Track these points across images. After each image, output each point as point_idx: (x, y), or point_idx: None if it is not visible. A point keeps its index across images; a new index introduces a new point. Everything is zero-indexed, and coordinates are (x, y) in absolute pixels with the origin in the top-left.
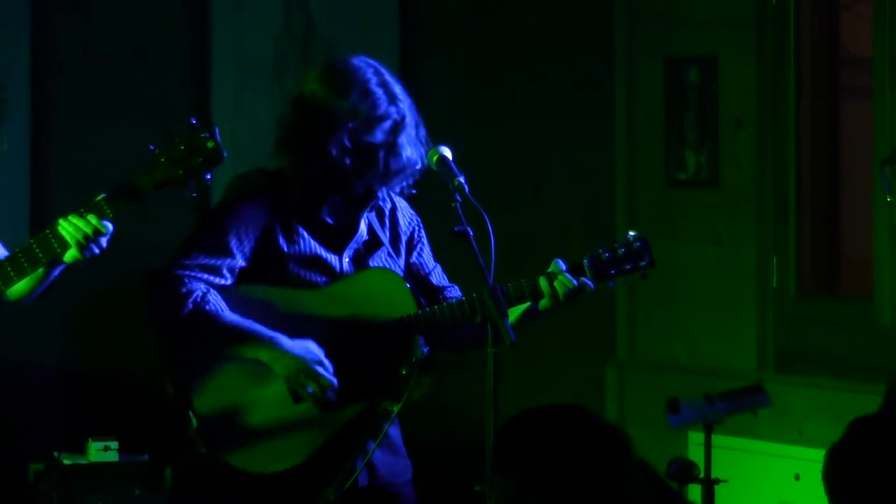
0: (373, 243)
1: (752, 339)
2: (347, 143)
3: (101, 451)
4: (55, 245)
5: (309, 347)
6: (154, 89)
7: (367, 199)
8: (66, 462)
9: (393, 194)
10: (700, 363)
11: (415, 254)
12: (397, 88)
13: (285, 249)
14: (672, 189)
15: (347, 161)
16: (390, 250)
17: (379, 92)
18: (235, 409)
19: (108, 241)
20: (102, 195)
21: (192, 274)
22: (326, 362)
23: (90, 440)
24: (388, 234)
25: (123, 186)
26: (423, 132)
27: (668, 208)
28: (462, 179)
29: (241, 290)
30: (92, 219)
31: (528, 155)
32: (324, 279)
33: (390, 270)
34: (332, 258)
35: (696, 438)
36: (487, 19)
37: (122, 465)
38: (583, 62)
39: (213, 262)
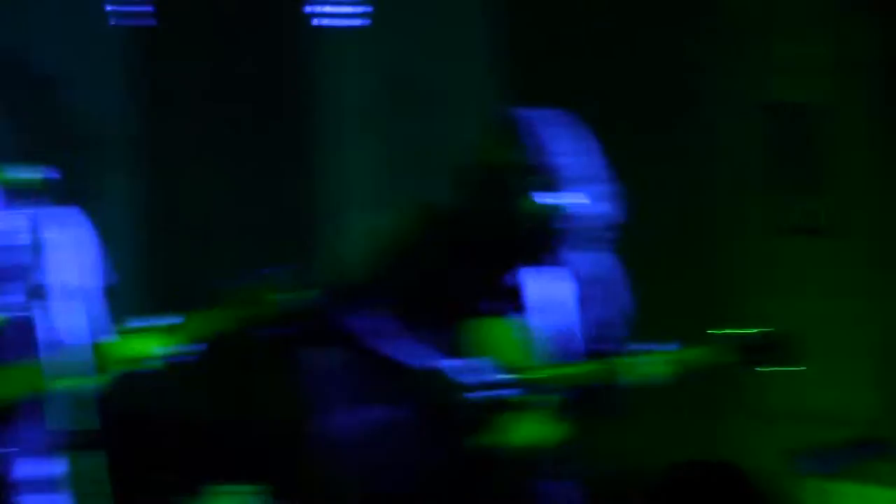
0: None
1: (872, 387)
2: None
3: (228, 498)
4: None
5: None
6: (255, 134)
7: (536, 249)
8: None
9: (573, 249)
10: (821, 411)
11: (584, 309)
12: (565, 138)
13: None
14: (782, 237)
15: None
16: (555, 306)
17: (542, 138)
18: None
19: None
20: None
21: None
22: None
23: (221, 485)
24: (559, 287)
25: None
26: (598, 180)
27: (778, 257)
28: (607, 227)
29: None
30: None
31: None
32: None
33: None
34: None
35: (817, 485)
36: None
37: None
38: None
39: (365, 294)
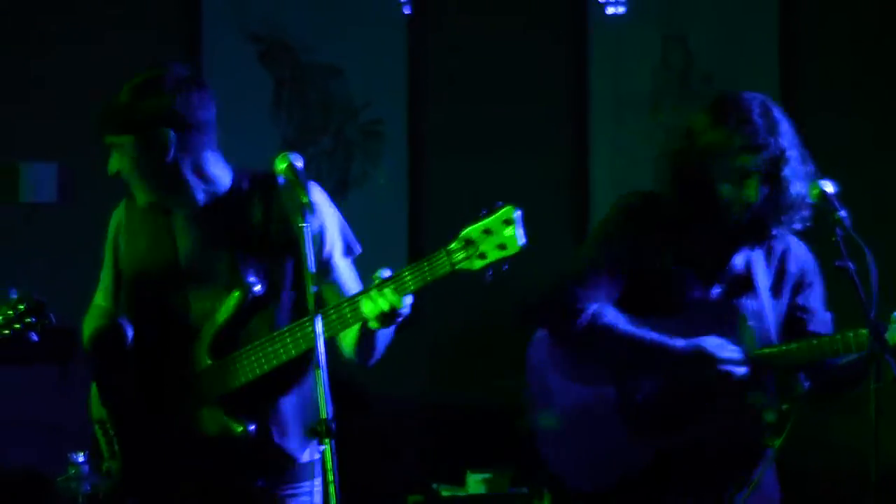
0: (747, 281)
1: None
2: (726, 171)
3: (479, 483)
4: (353, 317)
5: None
6: (527, 121)
7: (751, 234)
8: (444, 494)
9: (789, 235)
10: None
11: (801, 296)
12: (783, 124)
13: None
14: None
15: (726, 189)
16: (770, 292)
17: (759, 122)
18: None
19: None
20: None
21: (580, 291)
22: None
23: (468, 472)
24: (772, 274)
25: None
26: (811, 168)
27: None
28: (843, 214)
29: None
30: (389, 295)
31: None
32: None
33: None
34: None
35: None
36: (872, 52)
37: (500, 496)
38: None
39: (589, 278)
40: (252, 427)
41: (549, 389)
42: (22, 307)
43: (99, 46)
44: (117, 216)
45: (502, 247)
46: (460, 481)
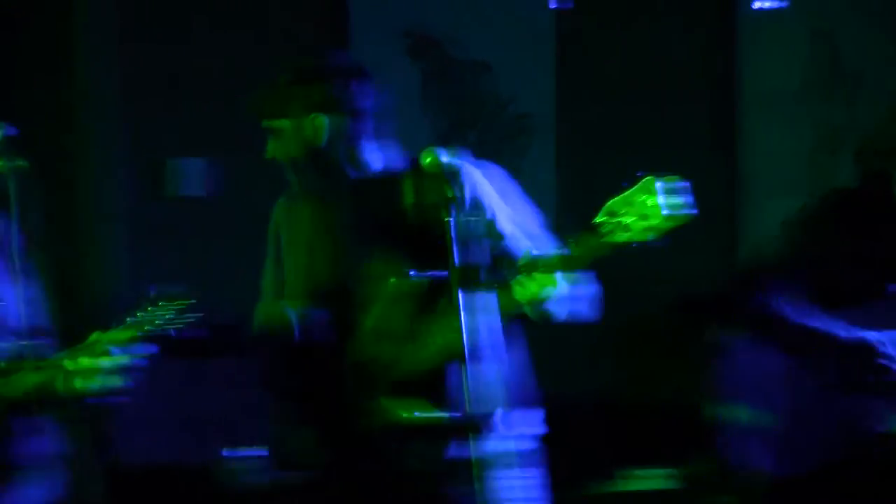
0: None
1: None
2: None
3: (651, 480)
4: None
5: None
6: (674, 116)
7: None
8: (614, 489)
9: None
10: None
11: None
12: None
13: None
14: None
15: None
16: None
17: None
18: None
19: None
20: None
21: (772, 282)
22: None
23: (640, 469)
24: None
25: None
26: None
27: None
28: None
29: None
30: (539, 277)
31: None
32: None
33: None
34: None
35: None
36: None
37: (672, 492)
38: None
39: (781, 271)
40: (419, 415)
41: (750, 379)
42: (163, 303)
43: (248, 41)
44: (277, 211)
45: (645, 217)
46: (625, 477)
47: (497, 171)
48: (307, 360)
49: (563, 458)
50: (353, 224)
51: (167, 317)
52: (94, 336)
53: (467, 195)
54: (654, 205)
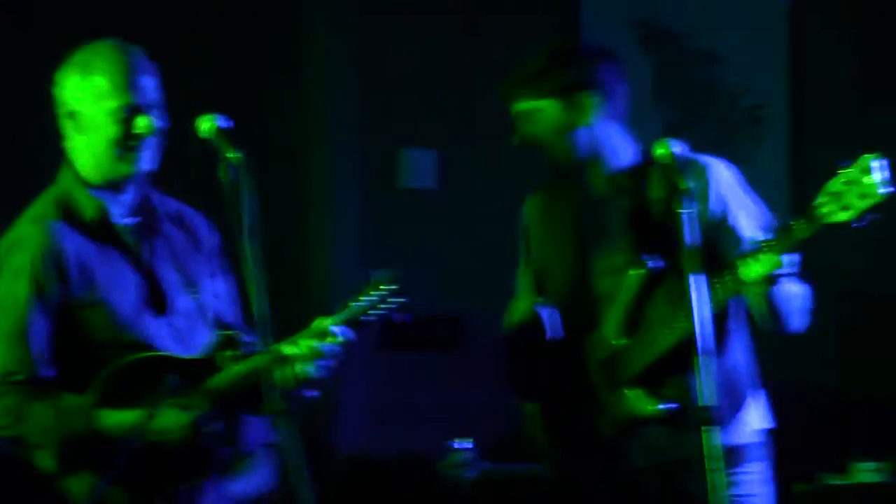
0: None
1: None
2: None
3: (866, 473)
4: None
5: None
6: None
7: None
8: (830, 482)
9: None
10: None
11: None
12: None
13: None
14: None
15: None
16: None
17: None
18: None
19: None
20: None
21: None
22: None
23: (854, 462)
24: None
25: None
26: None
27: None
28: None
29: None
30: (765, 257)
31: None
32: None
33: None
34: None
35: None
36: None
37: (889, 485)
38: None
39: None
40: (667, 406)
41: None
42: (384, 288)
43: (480, 34)
44: (527, 207)
45: (864, 196)
46: (844, 471)
47: (726, 165)
48: (555, 356)
49: (788, 450)
50: (601, 215)
51: (384, 301)
52: (316, 322)
53: (700, 187)
54: (871, 184)
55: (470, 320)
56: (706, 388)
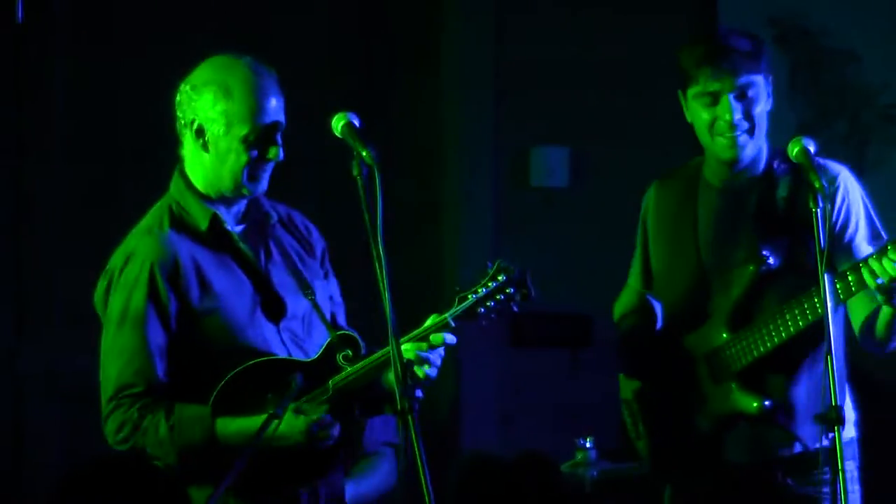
0: None
1: None
2: None
3: None
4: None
5: None
6: None
7: None
8: None
9: None
10: None
11: None
12: None
13: None
14: None
15: None
16: None
17: None
18: None
19: None
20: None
21: None
22: None
23: None
24: None
25: None
26: None
27: None
28: None
29: None
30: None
31: None
32: None
33: None
34: None
35: None
36: None
37: None
38: None
39: None
40: (768, 403)
41: None
42: (501, 278)
43: (611, 32)
44: (647, 199)
45: None
46: None
47: (853, 177)
48: (667, 349)
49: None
50: (724, 209)
51: (503, 291)
52: (431, 318)
53: (832, 186)
54: None
55: (601, 318)
56: (830, 387)
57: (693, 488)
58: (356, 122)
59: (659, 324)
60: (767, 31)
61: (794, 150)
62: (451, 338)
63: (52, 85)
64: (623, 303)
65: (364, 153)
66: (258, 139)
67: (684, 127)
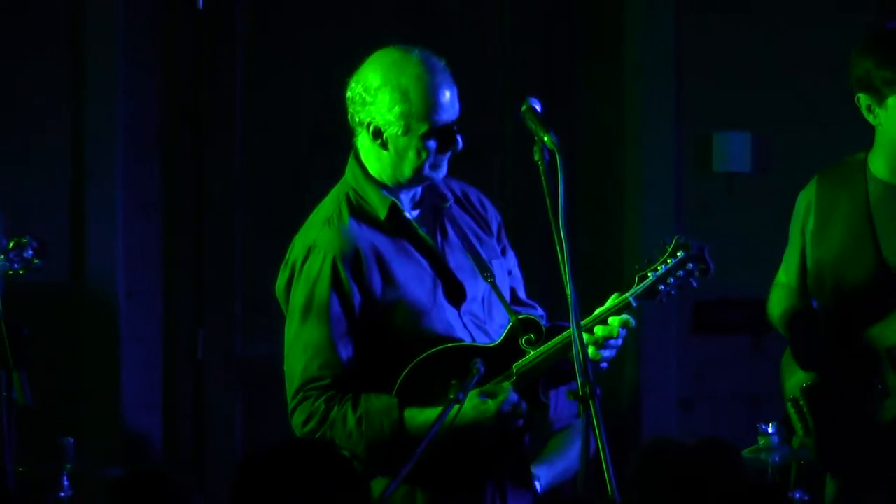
0: None
1: None
2: None
3: None
4: None
5: None
6: None
7: None
8: None
9: None
10: None
11: None
12: None
13: None
14: None
15: None
16: None
17: None
18: None
19: None
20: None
21: None
22: None
23: None
24: None
25: None
26: None
27: None
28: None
29: None
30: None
31: None
32: None
33: None
34: None
35: None
36: None
37: None
38: None
39: None
40: None
41: None
42: (680, 254)
43: (793, 17)
44: (807, 194)
45: None
46: None
47: None
48: (844, 344)
49: None
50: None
51: (683, 268)
52: (612, 299)
53: None
54: None
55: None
56: (581, 364)
57: (871, 484)
58: (538, 107)
59: (822, 325)
60: None
61: None
62: (629, 320)
63: (232, 73)
64: (778, 302)
65: (546, 138)
66: (437, 135)
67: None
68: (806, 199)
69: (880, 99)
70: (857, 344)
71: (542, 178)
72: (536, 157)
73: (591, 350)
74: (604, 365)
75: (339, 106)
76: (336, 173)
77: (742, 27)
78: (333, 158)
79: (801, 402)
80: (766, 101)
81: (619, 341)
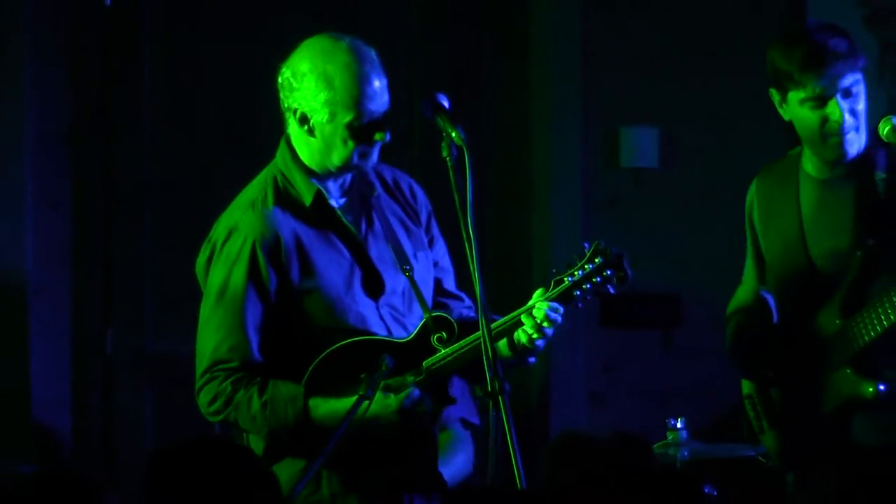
0: None
1: None
2: None
3: None
4: None
5: None
6: None
7: None
8: None
9: None
10: None
11: None
12: None
13: None
14: None
15: None
16: None
17: None
18: None
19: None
20: None
21: None
22: None
23: None
24: None
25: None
26: None
27: None
28: None
29: None
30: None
31: None
32: None
33: None
34: None
35: None
36: None
37: None
38: None
39: None
40: (883, 388)
41: None
42: (598, 260)
43: (700, 10)
44: (750, 194)
45: None
46: None
47: None
48: (784, 340)
49: None
50: (827, 203)
51: (600, 274)
52: (536, 296)
53: None
54: None
55: (690, 298)
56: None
57: (820, 475)
58: (445, 103)
59: (775, 318)
60: (857, 12)
61: (884, 130)
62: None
63: (141, 70)
64: (735, 301)
65: (454, 134)
66: (363, 124)
67: (773, 109)
68: (749, 196)
69: (784, 94)
70: (795, 341)
71: (451, 174)
72: (445, 154)
73: (523, 336)
74: (532, 360)
75: (248, 104)
76: (246, 171)
77: (649, 23)
78: (243, 156)
79: (757, 401)
80: (674, 97)
81: (551, 330)
